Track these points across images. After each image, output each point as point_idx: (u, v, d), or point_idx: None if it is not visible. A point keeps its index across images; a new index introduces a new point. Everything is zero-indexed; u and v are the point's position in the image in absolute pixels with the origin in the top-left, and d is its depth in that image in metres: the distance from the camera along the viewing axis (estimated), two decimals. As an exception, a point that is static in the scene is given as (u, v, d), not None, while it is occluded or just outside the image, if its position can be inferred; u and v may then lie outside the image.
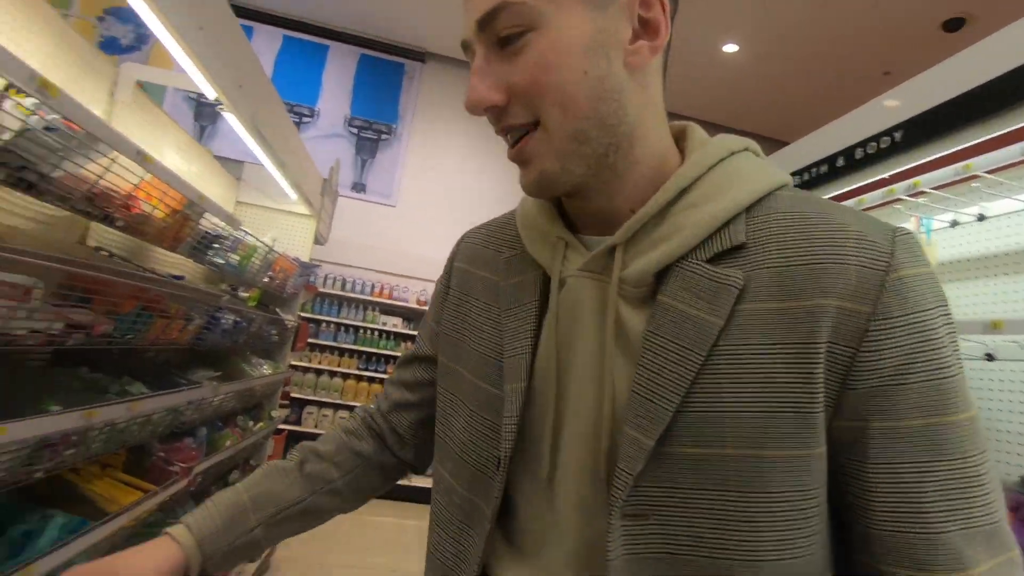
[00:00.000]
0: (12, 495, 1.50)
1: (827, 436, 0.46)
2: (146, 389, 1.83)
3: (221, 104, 2.00)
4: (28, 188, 1.08)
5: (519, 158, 0.53)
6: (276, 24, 6.83)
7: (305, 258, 3.43)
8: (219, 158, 3.22)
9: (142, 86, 2.19)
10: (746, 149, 0.55)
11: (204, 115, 6.62)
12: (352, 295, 5.95)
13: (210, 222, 1.86)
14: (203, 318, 1.93)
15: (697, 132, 0.57)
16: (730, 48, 5.86)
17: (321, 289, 5.74)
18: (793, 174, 2.01)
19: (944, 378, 0.44)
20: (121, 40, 6.46)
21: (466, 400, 0.60)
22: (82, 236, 2.02)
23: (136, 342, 1.53)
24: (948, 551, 0.43)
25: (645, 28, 0.51)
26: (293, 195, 3.08)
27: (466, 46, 0.52)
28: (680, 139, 0.57)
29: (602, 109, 0.49)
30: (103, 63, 1.94)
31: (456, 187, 6.81)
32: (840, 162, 1.73)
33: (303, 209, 3.47)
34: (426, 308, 6.06)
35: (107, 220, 1.36)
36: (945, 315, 0.46)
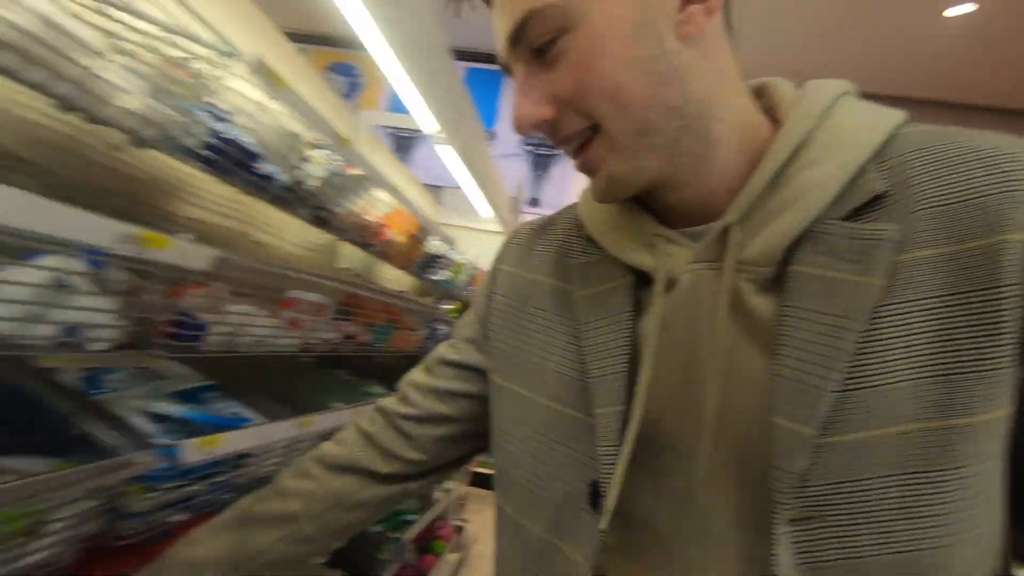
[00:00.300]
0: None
1: (1018, 393, 0.39)
2: (383, 390, 2.11)
3: (442, 136, 2.24)
4: (322, 223, 1.32)
5: (584, 168, 0.48)
6: (460, 59, 7.47)
7: (497, 272, 3.68)
8: (422, 184, 3.62)
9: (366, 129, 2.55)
10: (846, 93, 0.48)
11: (401, 147, 7.49)
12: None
13: (433, 244, 2.09)
14: (425, 329, 2.17)
15: (781, 87, 0.50)
16: (958, 10, 4.95)
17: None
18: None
19: None
20: (340, 90, 7.61)
21: (537, 427, 0.52)
22: (335, 259, 2.41)
23: (383, 349, 1.78)
24: None
25: None
26: (489, 213, 3.32)
27: (506, 68, 0.49)
28: (761, 99, 0.51)
29: (663, 93, 0.44)
30: (348, 115, 2.31)
31: (629, 196, 6.73)
32: None
33: (494, 226, 3.72)
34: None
35: (365, 246, 1.61)
36: None
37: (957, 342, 0.39)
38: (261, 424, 1.08)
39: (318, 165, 1.21)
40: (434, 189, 3.88)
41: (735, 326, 0.45)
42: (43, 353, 0.77)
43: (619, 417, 0.47)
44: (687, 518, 0.46)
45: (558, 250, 0.57)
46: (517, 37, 0.45)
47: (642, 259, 0.50)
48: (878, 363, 0.40)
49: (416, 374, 0.68)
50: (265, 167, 1.07)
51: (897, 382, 0.39)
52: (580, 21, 0.43)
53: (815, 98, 0.47)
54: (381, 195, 1.51)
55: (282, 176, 1.11)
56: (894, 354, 0.40)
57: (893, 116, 0.46)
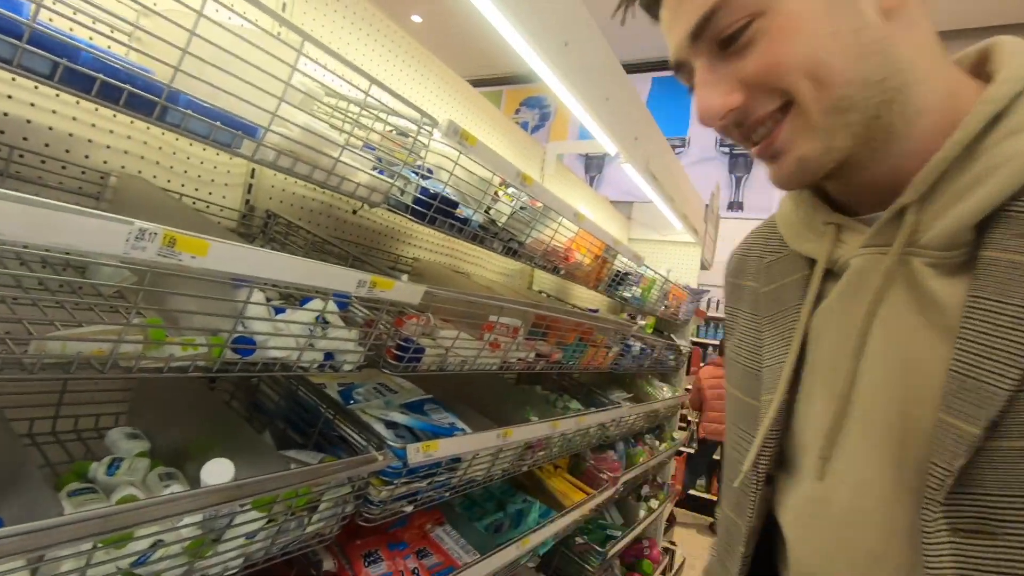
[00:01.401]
0: (506, 482, 2.03)
1: None
2: (580, 405, 2.20)
3: (621, 157, 2.29)
4: (512, 253, 1.46)
5: (768, 152, 0.47)
6: (644, 70, 7.41)
7: (693, 284, 3.53)
8: (612, 202, 3.68)
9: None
10: None
11: (592, 167, 7.68)
12: (737, 317, 5.77)
13: (621, 262, 2.13)
14: (618, 346, 2.21)
15: (1007, 45, 0.45)
16: None
17: (708, 313, 5.78)
18: None
19: None
20: (530, 122, 8.15)
21: (732, 416, 0.56)
22: (529, 282, 2.61)
23: (575, 367, 1.86)
24: None
25: None
26: (680, 226, 3.23)
27: (679, 66, 0.49)
28: (983, 63, 0.46)
29: (863, 67, 0.42)
30: (536, 148, 2.50)
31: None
32: None
33: (688, 238, 3.59)
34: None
35: (554, 270, 1.72)
36: None
37: None
38: (470, 434, 1.24)
39: (506, 203, 1.35)
40: (625, 205, 3.91)
41: (912, 313, 0.42)
42: (312, 372, 1.02)
43: (779, 404, 0.49)
44: (825, 523, 0.46)
45: (760, 252, 0.60)
46: (700, 31, 0.45)
47: (812, 248, 0.51)
48: None
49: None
50: (463, 211, 1.25)
51: None
52: (772, 3, 0.42)
53: (1013, 63, 0.43)
54: (565, 222, 1.62)
55: (477, 217, 1.27)
56: None
57: None
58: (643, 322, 3.26)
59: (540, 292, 2.52)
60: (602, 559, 2.26)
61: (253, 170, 1.28)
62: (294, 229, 1.28)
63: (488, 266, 2.27)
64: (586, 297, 3.13)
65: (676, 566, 3.71)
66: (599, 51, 1.79)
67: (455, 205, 1.20)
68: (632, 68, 7.43)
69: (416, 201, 1.11)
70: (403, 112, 0.99)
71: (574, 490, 2.07)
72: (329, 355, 0.92)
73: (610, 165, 7.50)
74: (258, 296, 0.79)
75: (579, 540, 2.31)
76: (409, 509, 1.14)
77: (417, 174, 1.10)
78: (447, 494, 1.27)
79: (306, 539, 0.92)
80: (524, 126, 8.16)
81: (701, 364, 5.60)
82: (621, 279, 2.18)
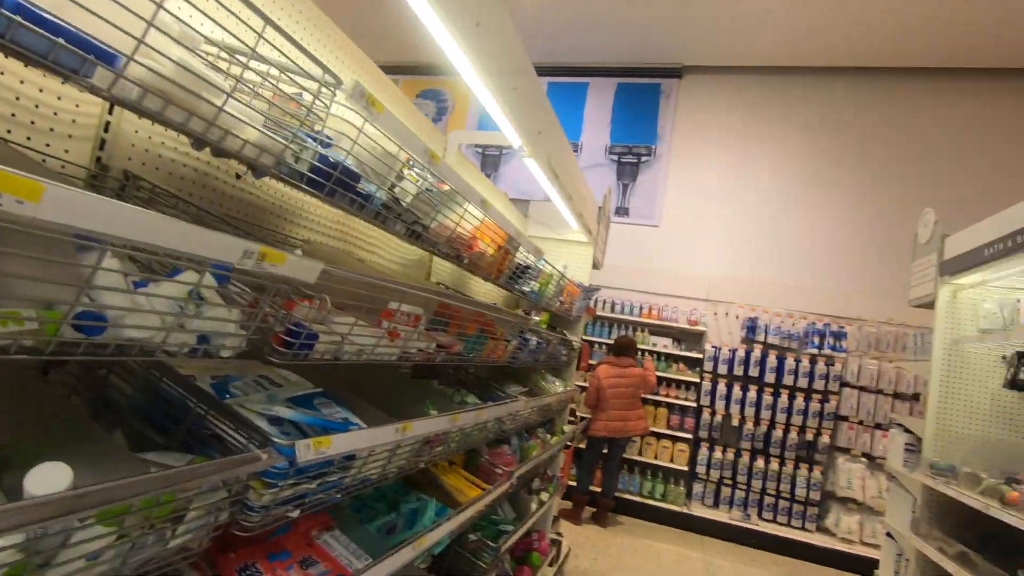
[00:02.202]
0: (399, 481, 1.92)
1: None
2: (477, 399, 2.15)
3: (525, 150, 2.28)
4: (416, 237, 1.38)
5: None
6: (541, 74, 7.57)
7: (586, 283, 3.65)
8: (511, 199, 3.69)
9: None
10: None
11: (488, 164, 7.70)
12: (622, 317, 6.08)
13: (522, 255, 2.12)
14: (517, 339, 2.20)
15: None
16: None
17: (597, 312, 6.02)
18: None
19: None
20: (428, 115, 7.99)
21: None
22: (427, 273, 2.51)
23: (475, 360, 1.82)
24: None
25: None
26: (575, 225, 3.31)
27: None
28: None
29: None
30: (438, 135, 2.41)
31: (721, 200, 6.44)
32: None
33: (582, 237, 3.70)
34: (698, 328, 5.93)
35: (458, 259, 1.66)
36: None
37: None
38: (366, 429, 1.14)
39: (412, 183, 1.27)
40: (522, 203, 3.94)
41: None
42: (180, 360, 0.87)
43: None
44: None
45: None
46: None
47: None
48: None
49: None
50: (365, 187, 1.15)
51: None
52: None
53: None
54: (472, 209, 1.56)
55: (380, 194, 1.18)
56: None
57: None
58: (537, 318, 3.30)
59: (438, 284, 2.45)
60: (494, 555, 2.23)
61: (108, 122, 1.08)
62: (161, 195, 1.10)
63: (385, 254, 2.15)
64: (482, 291, 3.10)
65: (562, 556, 3.80)
66: (509, 37, 1.75)
67: (357, 178, 1.09)
68: (530, 70, 7.55)
69: (313, 170, 0.99)
70: (303, 67, 0.87)
71: (470, 486, 2.02)
72: (204, 338, 0.78)
73: (506, 164, 7.56)
74: (112, 262, 0.64)
75: (472, 537, 2.26)
76: (295, 514, 1.02)
77: (315, 139, 0.99)
78: (338, 495, 1.16)
79: (168, 556, 0.78)
80: (420, 118, 7.98)
81: (591, 361, 5.82)
82: (522, 272, 2.17)
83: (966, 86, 5.86)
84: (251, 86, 0.85)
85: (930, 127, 5.92)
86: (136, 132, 1.13)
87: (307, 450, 0.91)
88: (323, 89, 0.90)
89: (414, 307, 1.37)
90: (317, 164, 0.98)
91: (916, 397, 5.26)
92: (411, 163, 1.30)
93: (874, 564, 3.62)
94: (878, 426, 5.30)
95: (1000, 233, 2.67)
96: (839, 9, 5.24)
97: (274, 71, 0.90)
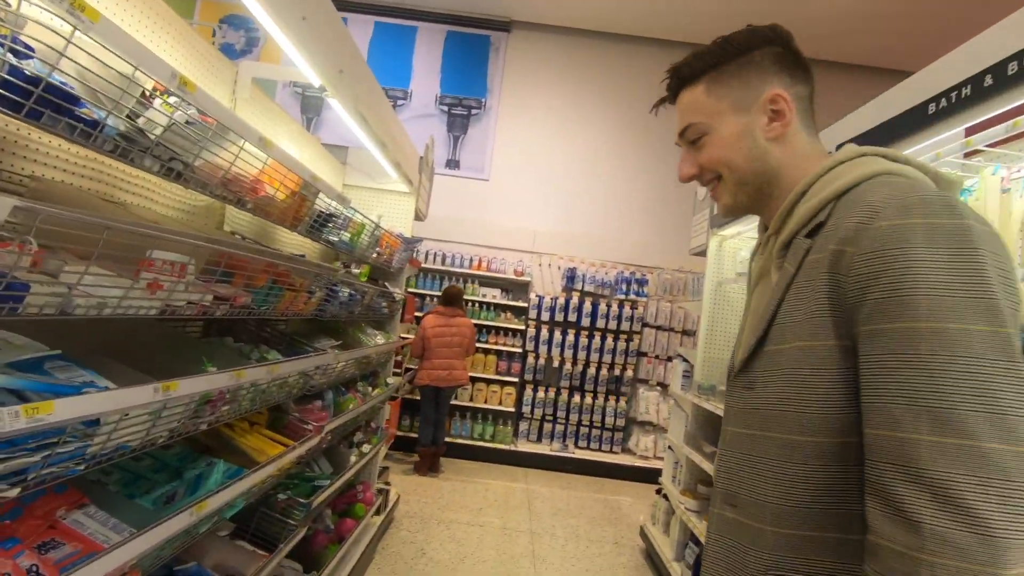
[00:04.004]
0: (185, 445, 1.77)
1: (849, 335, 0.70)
2: (280, 356, 2.04)
3: (326, 91, 2.13)
4: (177, 177, 1.23)
5: (712, 197, 0.93)
6: (367, 12, 7.09)
7: (408, 234, 3.61)
8: (326, 145, 3.46)
9: (257, 84, 2.39)
10: (862, 155, 0.81)
11: (310, 107, 7.09)
12: (452, 269, 6.17)
13: (324, 202, 2.01)
14: (323, 291, 2.11)
15: (840, 153, 0.83)
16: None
17: (424, 265, 6.01)
18: (928, 101, 1.77)
19: (904, 294, 0.63)
20: (236, 45, 7.05)
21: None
22: (219, 222, 2.27)
23: (269, 313, 1.71)
24: (887, 415, 0.63)
25: (776, 115, 0.85)
26: (394, 174, 3.23)
27: (677, 142, 0.93)
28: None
29: (755, 166, 0.86)
30: (224, 65, 2.14)
31: (547, 156, 6.76)
32: (988, 81, 1.50)
33: (403, 187, 3.63)
34: (524, 279, 6.26)
35: (239, 203, 1.52)
36: (927, 250, 0.63)
37: (817, 300, 0.73)
38: (110, 391, 1.02)
39: (163, 113, 1.11)
40: (340, 150, 3.72)
41: (767, 285, 0.84)
42: None
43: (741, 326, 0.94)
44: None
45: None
46: (682, 133, 0.91)
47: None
48: (783, 315, 0.78)
49: None
50: (95, 113, 0.98)
51: (787, 321, 0.77)
52: (713, 130, 0.87)
53: (827, 162, 0.82)
54: (251, 148, 1.43)
55: (115, 122, 1.01)
56: (789, 312, 0.77)
57: (861, 171, 0.77)
58: (357, 270, 3.20)
59: (233, 234, 2.23)
60: (306, 510, 2.19)
61: None
62: None
63: (160, 200, 1.88)
64: (294, 243, 2.90)
65: (391, 503, 3.88)
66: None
67: (76, 101, 0.93)
68: (353, 6, 7.02)
69: (5, 85, 0.81)
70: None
71: (272, 445, 1.93)
72: None
73: (329, 109, 7.04)
74: None
75: (281, 496, 2.19)
76: (14, 493, 0.88)
77: (2, 46, 0.80)
78: (82, 467, 1.03)
79: None
80: (228, 49, 7.01)
81: (417, 313, 5.84)
82: (325, 220, 2.07)
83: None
84: None
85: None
86: None
87: (14, 418, 0.79)
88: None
89: (179, 255, 1.23)
90: (7, 77, 0.81)
91: (686, 332, 6.22)
92: (165, 91, 1.13)
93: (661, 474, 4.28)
94: (669, 359, 6.19)
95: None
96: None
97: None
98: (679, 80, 0.91)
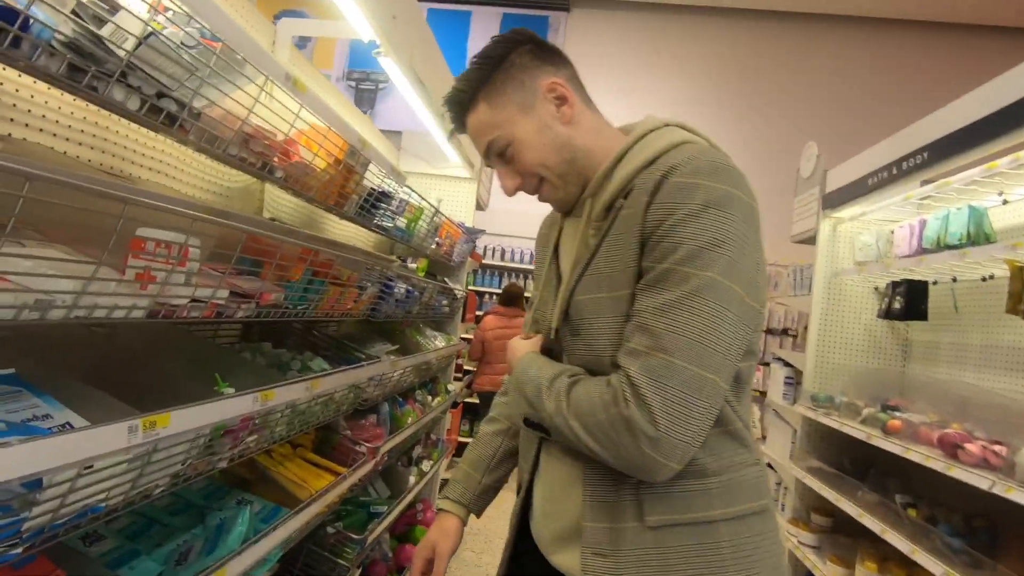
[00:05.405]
0: (216, 475, 1.44)
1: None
2: (327, 365, 1.69)
3: (378, 47, 1.77)
4: (171, 122, 0.87)
5: (542, 199, 0.97)
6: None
7: (468, 224, 3.23)
8: (380, 131, 3.13)
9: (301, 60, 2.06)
10: (665, 125, 0.91)
11: (363, 100, 6.88)
12: (513, 265, 5.78)
13: (376, 177, 1.64)
14: (376, 286, 1.75)
15: (642, 122, 0.93)
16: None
17: (482, 261, 5.65)
18: None
19: (673, 239, 0.77)
20: (293, 40, 6.94)
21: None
22: (258, 208, 1.95)
23: (308, 314, 1.35)
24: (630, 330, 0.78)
25: (561, 100, 0.90)
26: (454, 155, 2.85)
27: (488, 165, 0.97)
28: (634, 127, 0.93)
29: (564, 154, 0.90)
30: (257, 17, 1.81)
31: (612, 142, 6.26)
32: None
33: (464, 172, 3.26)
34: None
35: (267, 171, 1.16)
36: (704, 208, 0.76)
37: (626, 249, 0.83)
38: (47, 434, 0.66)
39: (136, 18, 0.75)
40: (394, 135, 3.39)
41: (579, 244, 0.91)
42: None
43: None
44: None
45: (551, 220, 1.08)
46: (488, 152, 0.93)
47: (556, 221, 1.04)
48: (594, 266, 0.87)
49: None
50: (15, 3, 0.62)
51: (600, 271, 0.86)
52: (513, 137, 0.89)
53: (636, 132, 0.91)
54: (280, 94, 1.06)
55: (56, 25, 0.66)
56: (601, 262, 0.86)
57: (663, 142, 0.86)
58: (414, 265, 2.84)
59: (272, 220, 1.90)
60: (360, 547, 1.84)
61: None
62: None
63: (185, 177, 1.57)
64: (345, 235, 2.57)
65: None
66: None
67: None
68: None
69: None
70: None
71: (316, 474, 1.58)
72: None
73: (383, 100, 6.81)
74: None
75: (331, 530, 1.85)
76: None
77: None
78: (19, 551, 0.68)
79: None
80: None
81: (478, 312, 5.48)
82: (377, 201, 1.70)
83: (849, 33, 6.06)
84: None
85: (811, 67, 6.08)
86: None
87: None
88: None
89: (175, 234, 0.87)
90: None
91: (785, 332, 5.54)
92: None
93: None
94: (765, 363, 5.54)
95: (884, 162, 2.62)
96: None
97: None
98: (459, 108, 0.93)
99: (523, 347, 0.95)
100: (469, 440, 5.13)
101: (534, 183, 0.92)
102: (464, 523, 1.11)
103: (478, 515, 1.15)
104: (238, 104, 0.98)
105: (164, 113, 0.84)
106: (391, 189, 1.78)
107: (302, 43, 6.95)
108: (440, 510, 1.11)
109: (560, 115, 0.89)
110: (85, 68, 0.71)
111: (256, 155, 1.09)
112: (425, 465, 2.71)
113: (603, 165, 0.89)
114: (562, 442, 0.85)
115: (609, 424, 0.74)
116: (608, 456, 0.76)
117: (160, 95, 0.84)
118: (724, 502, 0.80)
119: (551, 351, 0.94)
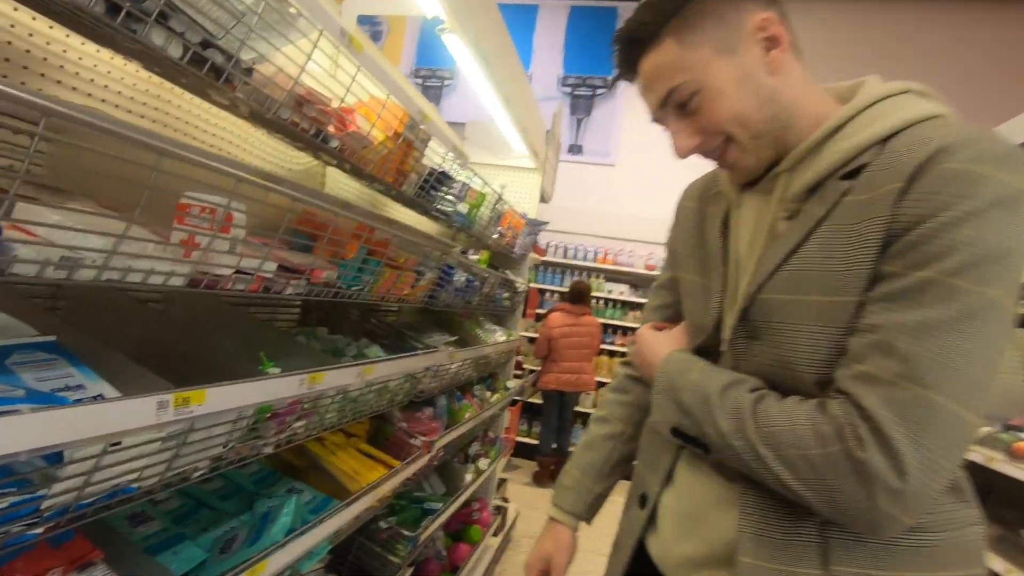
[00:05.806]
0: (268, 465, 1.40)
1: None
2: (383, 353, 1.62)
3: (442, 24, 1.68)
4: (217, 77, 0.80)
5: (724, 165, 0.79)
6: (488, -6, 6.77)
7: (532, 215, 3.12)
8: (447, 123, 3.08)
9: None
10: (907, 91, 0.71)
11: (430, 97, 6.94)
12: (575, 263, 5.62)
13: (437, 156, 1.56)
14: (434, 272, 1.66)
15: (867, 85, 0.74)
16: None
17: (544, 258, 5.53)
18: None
19: (946, 242, 0.59)
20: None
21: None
22: (320, 187, 1.92)
23: (363, 295, 1.28)
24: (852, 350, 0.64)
25: (772, 42, 0.71)
26: (519, 144, 2.75)
27: (657, 120, 0.79)
28: (853, 92, 0.75)
29: (766, 111, 0.72)
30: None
31: (683, 135, 5.97)
32: None
33: (528, 162, 3.15)
34: (655, 273, 5.53)
35: (322, 140, 1.09)
36: (992, 207, 0.58)
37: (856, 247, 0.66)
38: (75, 404, 0.60)
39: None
40: (457, 126, 3.33)
41: (764, 231, 0.77)
42: None
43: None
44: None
45: (703, 188, 0.93)
46: (664, 101, 0.75)
47: (727, 193, 0.86)
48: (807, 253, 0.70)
49: None
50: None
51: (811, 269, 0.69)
52: (703, 84, 0.71)
53: (864, 97, 0.71)
54: (341, 60, 0.99)
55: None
56: (813, 253, 0.69)
57: (912, 113, 0.67)
58: (476, 256, 2.76)
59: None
60: (412, 545, 1.76)
61: None
62: None
63: (247, 156, 1.54)
64: (407, 220, 2.52)
65: (509, 522, 3.42)
66: None
67: None
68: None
69: None
70: None
71: (370, 466, 1.51)
72: None
73: (448, 96, 6.83)
74: None
75: (383, 525, 1.78)
76: None
77: None
78: (39, 531, 0.62)
79: None
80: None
81: (539, 310, 5.36)
82: (438, 182, 1.62)
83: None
84: None
85: (932, 47, 5.56)
86: None
87: None
88: None
89: (219, 198, 0.81)
90: None
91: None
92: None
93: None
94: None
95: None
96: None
97: None
98: (637, 45, 0.75)
99: (663, 341, 0.81)
100: (527, 440, 5.05)
101: (717, 143, 0.75)
102: (576, 532, 1.05)
103: (588, 523, 1.07)
104: (291, 61, 0.91)
105: (209, 63, 0.78)
106: (453, 170, 1.69)
107: (373, 40, 7.11)
108: (552, 519, 1.04)
109: (769, 61, 0.71)
110: (121, 3, 0.64)
111: (310, 120, 1.02)
112: (482, 463, 2.62)
113: (809, 132, 0.72)
114: (722, 461, 0.72)
115: (826, 464, 0.60)
116: (815, 500, 0.62)
117: (205, 45, 0.77)
118: (937, 564, 0.66)
119: (704, 351, 0.79)
